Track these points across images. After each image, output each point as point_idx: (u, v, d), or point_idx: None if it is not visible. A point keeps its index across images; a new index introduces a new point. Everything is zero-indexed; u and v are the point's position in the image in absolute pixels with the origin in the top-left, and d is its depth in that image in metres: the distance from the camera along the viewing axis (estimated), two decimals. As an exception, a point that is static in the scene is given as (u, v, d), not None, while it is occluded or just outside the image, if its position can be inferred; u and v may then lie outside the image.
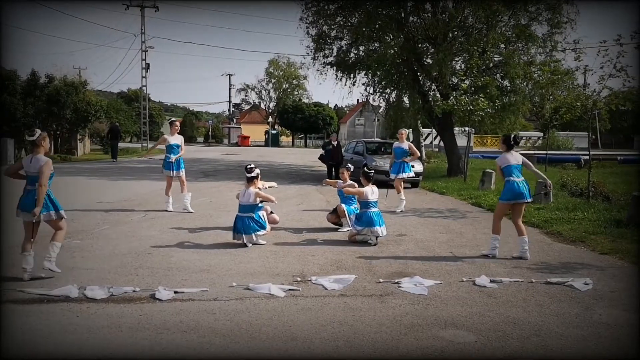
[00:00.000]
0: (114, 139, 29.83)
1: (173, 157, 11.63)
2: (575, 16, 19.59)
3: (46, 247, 6.44)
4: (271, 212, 9.74)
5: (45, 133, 6.52)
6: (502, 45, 20.43)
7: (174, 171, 11.63)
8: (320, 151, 21.63)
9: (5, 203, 10.74)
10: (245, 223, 8.38)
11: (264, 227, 8.54)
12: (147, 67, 43.92)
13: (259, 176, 9.18)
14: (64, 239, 6.60)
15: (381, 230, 8.77)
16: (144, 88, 45.19)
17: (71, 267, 6.85)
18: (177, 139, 11.90)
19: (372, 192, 8.98)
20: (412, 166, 13.26)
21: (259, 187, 9.04)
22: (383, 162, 17.22)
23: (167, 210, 11.55)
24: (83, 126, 31.28)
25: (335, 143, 19.79)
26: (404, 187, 13.47)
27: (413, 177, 14.52)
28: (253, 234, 8.38)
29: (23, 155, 28.04)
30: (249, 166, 8.94)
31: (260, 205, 8.76)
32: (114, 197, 13.69)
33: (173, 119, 12.31)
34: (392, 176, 13.04)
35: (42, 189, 6.13)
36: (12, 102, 27.08)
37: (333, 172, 19.21)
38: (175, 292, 5.85)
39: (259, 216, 8.56)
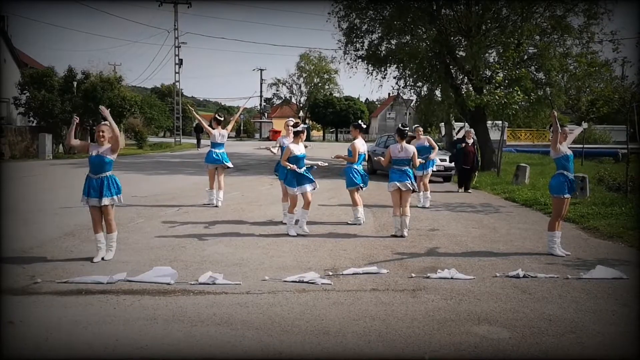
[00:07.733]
0: (199, 133, 41.28)
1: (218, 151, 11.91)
2: (613, 7, 19.13)
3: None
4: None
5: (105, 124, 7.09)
6: (537, 37, 20.11)
7: (222, 163, 11.78)
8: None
9: (65, 195, 10.96)
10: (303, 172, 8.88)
11: (312, 181, 8.99)
12: (180, 62, 44.55)
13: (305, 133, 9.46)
14: (115, 228, 7.22)
15: (409, 184, 8.85)
16: (177, 83, 45.80)
17: (108, 259, 7.01)
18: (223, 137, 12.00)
19: (401, 149, 8.97)
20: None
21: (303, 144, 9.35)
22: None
23: (216, 205, 11.66)
24: (118, 121, 31.85)
25: (470, 141, 15.37)
26: (432, 182, 13.31)
27: (442, 170, 14.34)
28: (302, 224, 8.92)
29: (61, 150, 28.74)
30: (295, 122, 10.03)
31: (309, 166, 9.15)
32: (148, 192, 13.92)
33: (219, 115, 12.32)
34: (418, 173, 12.91)
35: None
36: (50, 98, 27.76)
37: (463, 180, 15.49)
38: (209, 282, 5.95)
39: (308, 171, 9.00)
